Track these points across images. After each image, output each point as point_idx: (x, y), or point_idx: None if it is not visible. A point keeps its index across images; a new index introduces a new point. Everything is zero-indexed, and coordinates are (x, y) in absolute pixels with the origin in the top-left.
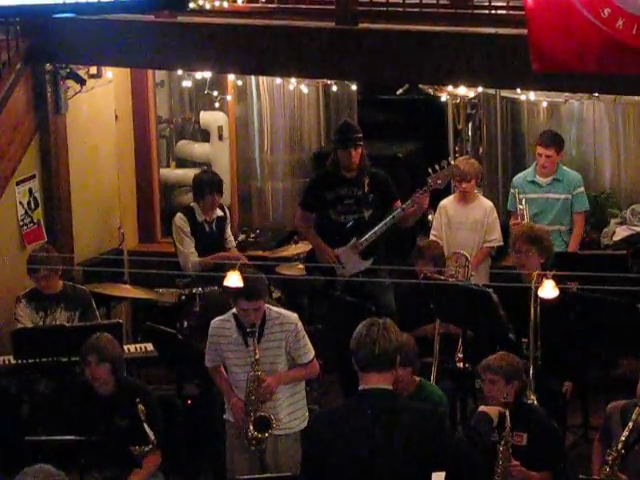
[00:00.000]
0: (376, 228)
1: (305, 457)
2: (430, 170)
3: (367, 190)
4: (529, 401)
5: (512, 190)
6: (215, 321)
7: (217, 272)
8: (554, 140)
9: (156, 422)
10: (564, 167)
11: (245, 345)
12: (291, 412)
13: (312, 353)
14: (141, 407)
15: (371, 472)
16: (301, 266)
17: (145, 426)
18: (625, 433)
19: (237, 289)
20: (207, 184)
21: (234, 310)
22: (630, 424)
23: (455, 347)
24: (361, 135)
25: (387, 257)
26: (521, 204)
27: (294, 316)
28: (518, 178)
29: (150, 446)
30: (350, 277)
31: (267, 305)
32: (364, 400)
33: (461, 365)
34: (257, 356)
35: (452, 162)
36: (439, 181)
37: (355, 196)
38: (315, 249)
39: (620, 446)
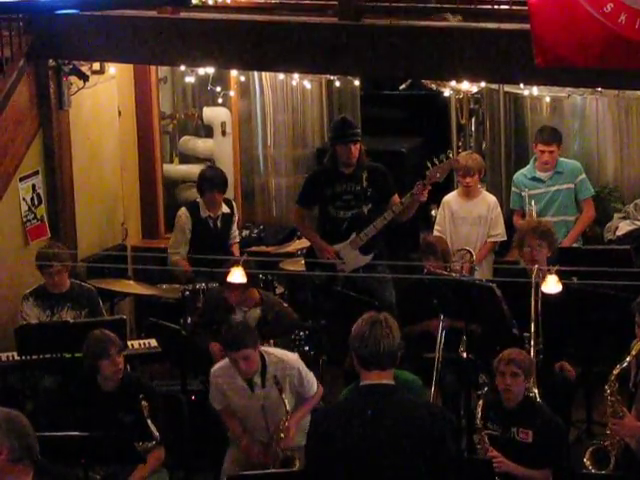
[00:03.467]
0: (375, 223)
1: (308, 453)
2: (429, 164)
3: (365, 185)
4: (531, 394)
5: (514, 189)
6: (215, 369)
7: (218, 268)
8: (555, 136)
9: (160, 418)
10: (561, 158)
11: (251, 390)
12: (301, 430)
13: (316, 383)
14: (144, 403)
15: (374, 468)
16: (304, 261)
17: (149, 422)
18: (620, 366)
19: (222, 338)
20: (208, 181)
21: None
22: (628, 358)
23: (458, 341)
24: (359, 131)
25: (388, 252)
26: (530, 204)
27: (295, 358)
28: (519, 176)
29: (154, 442)
30: (350, 272)
31: (265, 349)
32: (367, 396)
33: (464, 356)
34: (288, 408)
35: (451, 156)
36: (438, 174)
37: (354, 192)
38: (314, 246)
39: (614, 375)
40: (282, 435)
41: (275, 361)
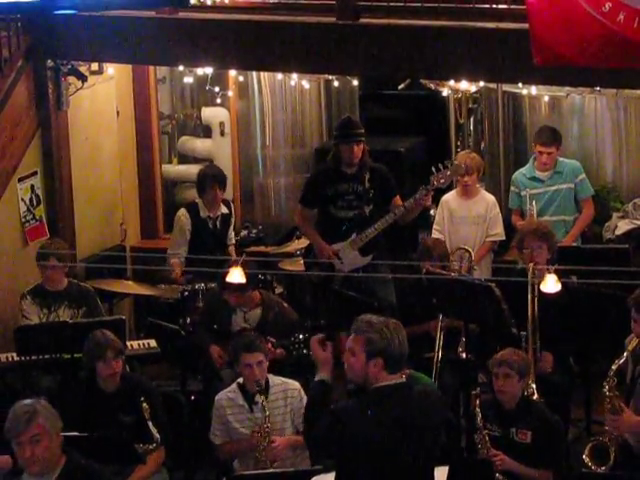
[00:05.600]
0: (376, 225)
1: (336, 447)
2: (434, 169)
3: (368, 186)
4: (530, 390)
5: (513, 188)
6: (220, 394)
7: (217, 269)
8: (554, 137)
9: (161, 420)
10: (561, 158)
11: (251, 411)
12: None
13: None
14: (145, 406)
15: (395, 463)
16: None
17: (150, 425)
18: (618, 362)
19: (237, 346)
20: (209, 178)
21: (239, 380)
22: (625, 353)
23: (457, 341)
24: (363, 131)
25: (388, 252)
26: (531, 204)
27: (298, 385)
28: (518, 175)
29: (154, 445)
30: (349, 272)
31: (270, 375)
32: (388, 395)
33: (464, 355)
34: (267, 413)
35: (456, 162)
36: (442, 180)
37: (355, 192)
38: (313, 246)
39: (613, 371)
40: (266, 445)
41: (278, 383)
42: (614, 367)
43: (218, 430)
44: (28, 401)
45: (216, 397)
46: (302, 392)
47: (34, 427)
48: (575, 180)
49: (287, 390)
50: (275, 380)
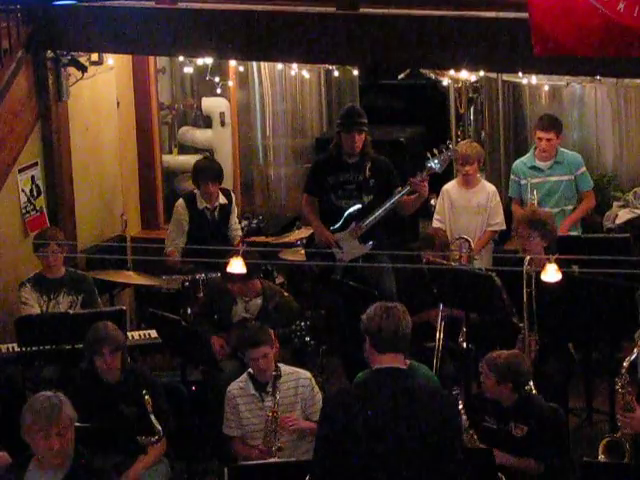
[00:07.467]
0: (376, 213)
1: (322, 436)
2: (429, 154)
3: (368, 175)
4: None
5: (513, 177)
6: (231, 385)
7: (218, 259)
8: (553, 124)
9: (163, 411)
10: (562, 149)
11: (261, 400)
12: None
13: None
14: (147, 399)
15: (389, 452)
16: (303, 251)
17: (152, 417)
18: (630, 358)
19: (241, 340)
20: (201, 173)
21: (249, 370)
22: (636, 349)
23: (458, 330)
24: (366, 121)
25: (388, 242)
26: (532, 194)
27: (308, 375)
28: (518, 164)
29: (156, 437)
30: (350, 262)
31: (281, 364)
32: (381, 378)
33: (464, 345)
34: (277, 398)
35: (451, 146)
36: (438, 165)
37: (356, 181)
38: (315, 232)
39: (625, 368)
40: (273, 429)
41: (289, 372)
42: (626, 364)
43: (233, 422)
44: (48, 393)
45: (227, 388)
46: (313, 382)
47: (63, 418)
48: (575, 173)
49: (298, 379)
50: (286, 369)
